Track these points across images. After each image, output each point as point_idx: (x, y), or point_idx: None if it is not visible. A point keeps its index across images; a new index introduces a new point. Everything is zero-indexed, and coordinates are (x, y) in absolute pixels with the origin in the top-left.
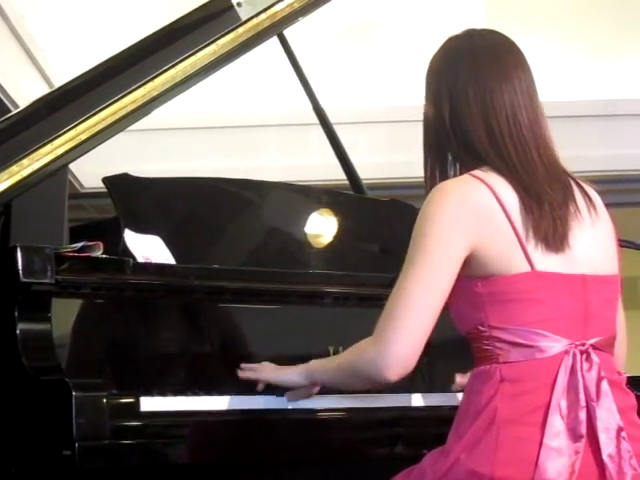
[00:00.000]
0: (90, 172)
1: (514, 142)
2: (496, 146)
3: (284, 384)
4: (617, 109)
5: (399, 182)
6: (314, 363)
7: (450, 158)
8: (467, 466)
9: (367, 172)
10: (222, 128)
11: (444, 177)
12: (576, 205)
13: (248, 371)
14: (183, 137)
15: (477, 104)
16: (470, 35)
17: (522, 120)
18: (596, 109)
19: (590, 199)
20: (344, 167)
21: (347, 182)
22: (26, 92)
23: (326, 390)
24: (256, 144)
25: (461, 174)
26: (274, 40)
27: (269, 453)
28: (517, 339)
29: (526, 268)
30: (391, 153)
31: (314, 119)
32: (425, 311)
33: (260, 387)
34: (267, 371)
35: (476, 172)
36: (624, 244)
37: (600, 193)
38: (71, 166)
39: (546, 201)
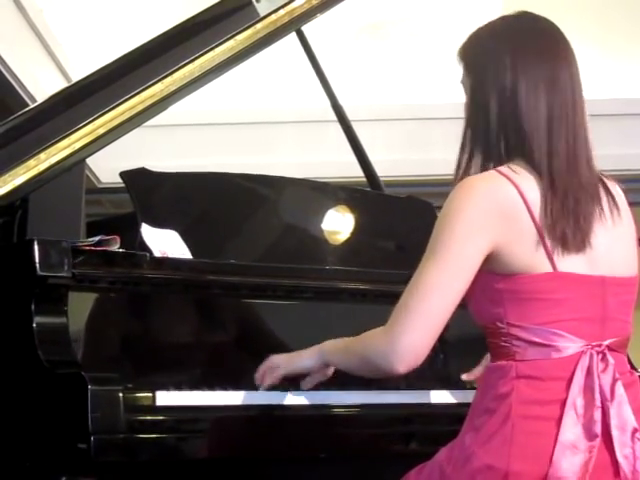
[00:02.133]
0: (107, 167)
1: (568, 134)
2: (549, 136)
3: (299, 371)
4: (635, 108)
5: (416, 180)
6: (325, 345)
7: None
8: (482, 460)
9: (384, 170)
10: (239, 124)
11: (485, 167)
12: (600, 205)
13: (266, 377)
14: (200, 133)
15: (545, 86)
16: (531, 17)
17: (578, 109)
18: (614, 108)
19: (614, 199)
20: (362, 164)
21: (363, 179)
22: (44, 87)
23: (341, 386)
24: (273, 141)
25: (487, 168)
26: (292, 36)
27: (283, 448)
28: (535, 338)
29: (548, 268)
30: (408, 151)
31: (331, 116)
32: (439, 307)
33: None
34: (280, 365)
35: (503, 169)
36: None
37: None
38: (88, 161)
39: (572, 198)
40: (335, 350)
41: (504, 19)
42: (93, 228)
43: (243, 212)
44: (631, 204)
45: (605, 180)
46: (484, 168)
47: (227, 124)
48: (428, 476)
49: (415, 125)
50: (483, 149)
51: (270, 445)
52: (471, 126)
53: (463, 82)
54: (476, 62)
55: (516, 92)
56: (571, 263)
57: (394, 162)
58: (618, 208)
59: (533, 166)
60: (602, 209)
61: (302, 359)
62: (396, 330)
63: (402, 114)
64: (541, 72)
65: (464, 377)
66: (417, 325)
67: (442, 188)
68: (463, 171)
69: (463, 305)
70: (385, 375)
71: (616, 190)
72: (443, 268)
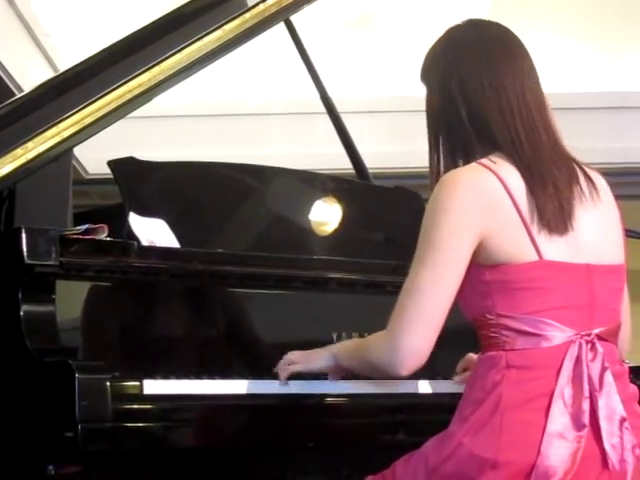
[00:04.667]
0: (95, 158)
1: (524, 124)
2: (508, 128)
3: (314, 371)
4: (625, 101)
5: (402, 172)
6: (335, 347)
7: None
8: (470, 450)
9: (370, 162)
10: (226, 116)
11: (455, 165)
12: (580, 188)
13: (282, 372)
14: (188, 124)
15: (491, 89)
16: (474, 24)
17: (531, 102)
18: (604, 101)
19: (593, 182)
20: (350, 155)
21: (352, 171)
22: (32, 78)
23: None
24: (261, 132)
25: (467, 163)
26: (279, 28)
27: (271, 438)
28: (524, 327)
29: (534, 257)
30: (395, 143)
31: (319, 108)
32: (437, 306)
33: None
34: (297, 362)
35: (484, 161)
36: (631, 234)
37: (608, 185)
38: (75, 152)
39: (550, 182)
40: (344, 353)
41: (447, 33)
42: (80, 219)
43: (231, 202)
44: (621, 197)
45: (583, 166)
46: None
47: (215, 115)
48: (415, 466)
49: (401, 117)
50: (458, 149)
51: (258, 434)
52: (440, 134)
53: (427, 99)
54: (430, 77)
55: (467, 96)
56: (556, 251)
57: (380, 154)
58: (598, 192)
59: (507, 156)
60: (582, 191)
61: (317, 360)
62: (396, 334)
63: (388, 106)
64: (484, 72)
65: (456, 379)
66: (417, 327)
67: (429, 180)
68: (436, 174)
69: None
70: (389, 378)
71: (596, 176)
72: (436, 266)
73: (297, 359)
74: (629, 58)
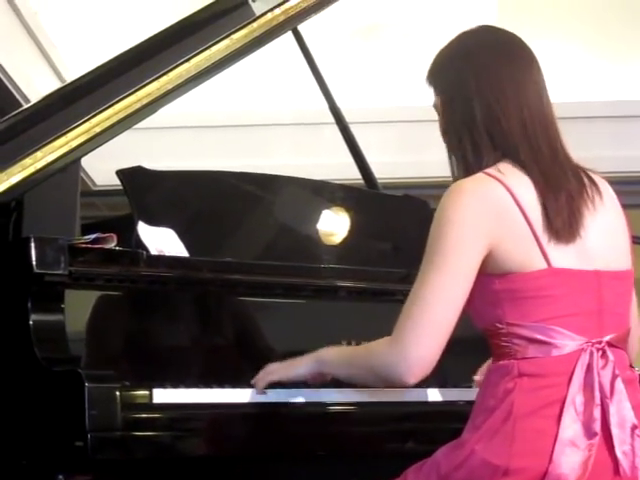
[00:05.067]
0: (103, 169)
1: (543, 132)
2: (528, 137)
3: (294, 379)
4: (630, 110)
5: (410, 182)
6: (323, 355)
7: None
8: (483, 457)
9: (378, 172)
10: (233, 127)
11: (469, 172)
12: (588, 195)
13: (259, 382)
14: (196, 136)
15: (513, 94)
16: (488, 29)
17: (548, 112)
18: (608, 110)
19: (598, 189)
20: (359, 164)
21: (359, 181)
22: (39, 89)
23: (338, 384)
24: (268, 143)
25: (476, 171)
26: (285, 39)
27: (281, 446)
28: (535, 335)
29: (542, 265)
30: (402, 153)
31: (326, 118)
32: (444, 316)
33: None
34: (274, 372)
35: (490, 171)
36: (638, 240)
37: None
38: (83, 164)
39: (564, 192)
40: (335, 360)
41: (462, 36)
42: (88, 230)
43: (240, 211)
44: (626, 206)
45: (587, 172)
46: (470, 173)
47: (222, 126)
48: (427, 474)
49: (409, 127)
50: (470, 156)
51: (267, 443)
52: (453, 139)
53: (435, 105)
54: (443, 82)
55: (485, 101)
56: (565, 259)
57: (388, 164)
58: (602, 197)
59: (521, 165)
60: (589, 198)
61: (298, 367)
62: (404, 342)
63: (396, 116)
64: (504, 77)
65: (476, 378)
66: (425, 336)
67: (437, 190)
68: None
69: (465, 305)
70: (394, 386)
71: (600, 181)
72: (444, 276)
73: (275, 369)
74: (634, 67)
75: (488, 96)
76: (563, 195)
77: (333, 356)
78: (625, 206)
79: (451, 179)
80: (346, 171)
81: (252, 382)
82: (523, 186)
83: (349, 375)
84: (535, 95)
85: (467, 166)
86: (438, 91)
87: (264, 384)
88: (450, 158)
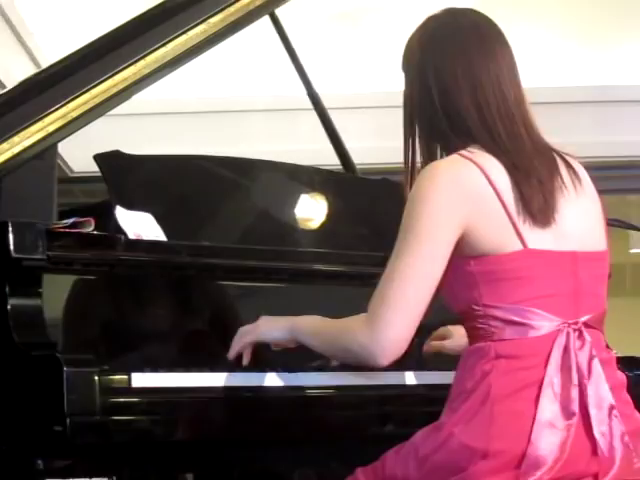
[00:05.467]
0: (79, 157)
1: (502, 117)
2: (485, 122)
3: (266, 340)
4: (609, 95)
5: (388, 168)
6: (299, 323)
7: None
8: (461, 440)
9: (356, 157)
10: (210, 113)
11: (434, 157)
12: (561, 179)
13: (234, 345)
14: (172, 122)
15: (465, 81)
16: (452, 13)
17: (508, 95)
18: (588, 95)
19: (574, 172)
20: (337, 149)
21: (336, 167)
22: (16, 76)
23: (316, 368)
24: (244, 129)
25: (448, 155)
26: (262, 23)
27: (260, 430)
28: (511, 317)
29: (518, 246)
30: (380, 139)
31: (303, 103)
32: (418, 297)
33: (246, 360)
34: (248, 332)
35: (464, 152)
36: (613, 223)
37: (592, 180)
38: (60, 151)
39: (534, 176)
40: (310, 331)
41: (426, 22)
42: (66, 217)
43: (218, 195)
44: (605, 191)
45: (563, 155)
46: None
47: (200, 112)
48: (405, 457)
49: (386, 113)
50: (436, 141)
51: (246, 427)
52: (417, 125)
53: (404, 90)
54: (407, 69)
55: (442, 86)
56: (541, 240)
57: (366, 150)
58: (580, 181)
59: (486, 149)
60: (563, 182)
61: (272, 331)
62: (377, 324)
63: (373, 102)
64: (460, 62)
65: (425, 348)
66: (398, 317)
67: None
68: (410, 168)
69: (440, 288)
70: (364, 366)
71: (577, 164)
72: (417, 257)
73: (249, 329)
74: (613, 51)
75: (444, 81)
76: (534, 179)
77: (308, 327)
78: (604, 192)
79: None
80: (323, 157)
81: (229, 355)
82: (495, 168)
83: (321, 349)
84: (493, 77)
85: (431, 152)
86: (406, 80)
87: (239, 347)
88: (407, 143)
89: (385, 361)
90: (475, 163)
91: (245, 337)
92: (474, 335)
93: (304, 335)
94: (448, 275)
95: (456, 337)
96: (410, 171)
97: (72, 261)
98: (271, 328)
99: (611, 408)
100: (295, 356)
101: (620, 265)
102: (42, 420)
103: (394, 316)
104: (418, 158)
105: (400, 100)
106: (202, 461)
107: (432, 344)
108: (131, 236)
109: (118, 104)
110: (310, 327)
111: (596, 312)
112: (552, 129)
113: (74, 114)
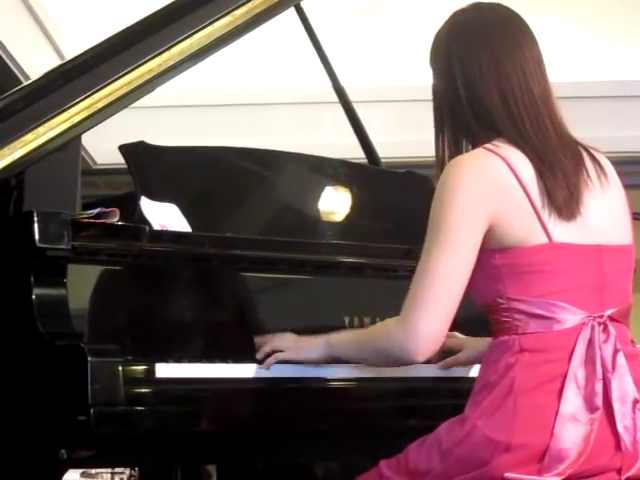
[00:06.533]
0: (103, 149)
1: (527, 110)
2: (511, 114)
3: (306, 360)
4: (629, 90)
5: (412, 161)
6: (332, 339)
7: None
8: (484, 433)
9: (380, 151)
10: (235, 105)
11: (460, 152)
12: (587, 172)
13: (270, 358)
14: (196, 114)
15: (491, 74)
16: (478, 7)
17: (534, 88)
18: (608, 90)
19: (600, 166)
20: (362, 142)
21: (362, 160)
22: (40, 67)
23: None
24: (270, 122)
25: (473, 148)
26: (288, 15)
27: (283, 422)
28: (536, 310)
29: (544, 240)
30: (404, 132)
31: (328, 96)
32: (451, 292)
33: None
34: (285, 350)
35: (489, 146)
36: (638, 217)
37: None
38: (84, 143)
39: (559, 169)
40: (344, 344)
41: (452, 16)
42: (89, 208)
43: (243, 186)
44: (627, 187)
45: (589, 149)
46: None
47: (225, 105)
48: (428, 449)
49: (411, 106)
50: (462, 135)
51: (269, 419)
52: (445, 119)
53: (433, 85)
54: (434, 64)
55: (468, 80)
56: (566, 233)
57: (390, 144)
58: (606, 175)
59: (512, 143)
60: (589, 176)
61: (309, 351)
62: (412, 320)
63: (398, 95)
64: (486, 56)
65: (440, 365)
66: (432, 313)
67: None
68: (443, 161)
69: None
70: (402, 364)
71: (603, 159)
72: (448, 252)
73: (287, 347)
74: (635, 46)
75: (471, 75)
76: (559, 173)
77: (342, 339)
78: (627, 187)
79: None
80: (348, 150)
81: (258, 357)
82: (520, 161)
83: (359, 358)
84: (519, 70)
85: (458, 147)
86: (433, 75)
87: (273, 362)
88: (437, 137)
89: (422, 357)
90: (500, 156)
91: (285, 354)
92: (498, 329)
93: (340, 348)
94: (474, 269)
95: (468, 349)
96: (440, 165)
97: (97, 251)
98: (307, 349)
99: (635, 402)
100: None
101: None
102: (66, 410)
103: (428, 312)
104: (447, 152)
105: (424, 94)
106: (225, 452)
107: (446, 361)
108: (156, 227)
109: (142, 96)
110: (344, 339)
111: (621, 306)
112: (572, 123)
113: (99, 105)
